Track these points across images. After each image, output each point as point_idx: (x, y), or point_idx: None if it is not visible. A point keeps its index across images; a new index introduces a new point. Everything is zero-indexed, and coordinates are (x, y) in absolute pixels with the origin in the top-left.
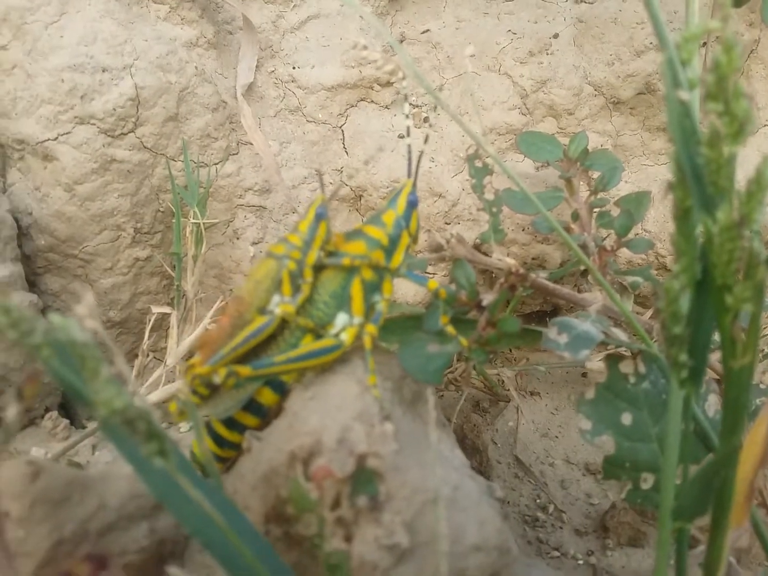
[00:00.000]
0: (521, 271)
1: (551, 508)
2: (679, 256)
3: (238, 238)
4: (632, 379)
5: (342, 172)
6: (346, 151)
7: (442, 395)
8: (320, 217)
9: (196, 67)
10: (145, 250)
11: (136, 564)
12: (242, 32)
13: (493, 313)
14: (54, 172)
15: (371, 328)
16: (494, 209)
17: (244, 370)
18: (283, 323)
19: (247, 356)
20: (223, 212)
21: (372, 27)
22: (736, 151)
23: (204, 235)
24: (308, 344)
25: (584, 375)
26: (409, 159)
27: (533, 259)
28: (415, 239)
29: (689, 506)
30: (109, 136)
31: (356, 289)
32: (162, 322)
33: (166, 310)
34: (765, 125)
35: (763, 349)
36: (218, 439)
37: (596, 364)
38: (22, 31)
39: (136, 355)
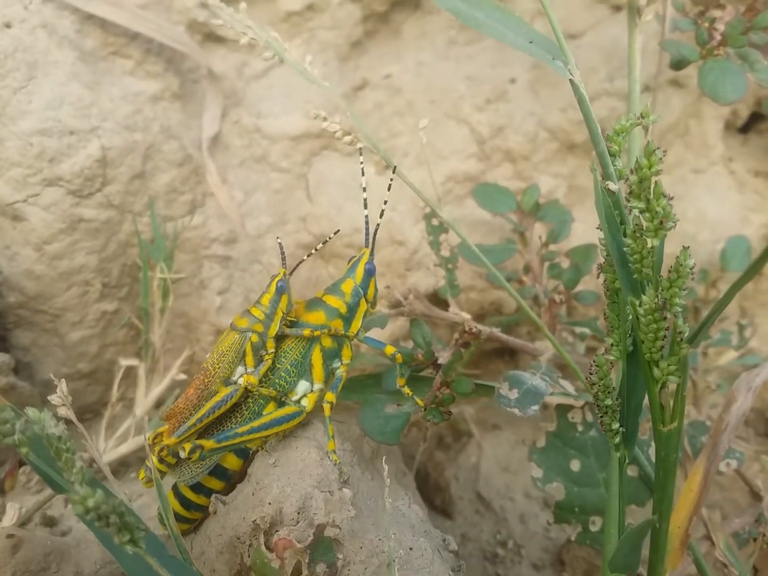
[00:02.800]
0: (474, 329)
1: (510, 543)
2: (611, 331)
3: (204, 288)
4: (580, 428)
5: (306, 220)
6: (310, 200)
7: (406, 434)
8: (281, 290)
9: (161, 125)
10: (113, 304)
11: None
12: (207, 82)
13: (447, 374)
14: (23, 232)
15: (330, 396)
16: (450, 266)
17: (208, 443)
18: (247, 392)
19: (213, 425)
20: (189, 263)
21: (333, 75)
22: (657, 243)
23: (171, 288)
24: (271, 413)
25: (545, 408)
26: (367, 229)
27: (490, 303)
28: (373, 304)
29: (622, 561)
30: (76, 196)
31: (316, 357)
32: (131, 371)
33: (134, 362)
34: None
35: (710, 386)
36: (185, 502)
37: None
38: None
39: (105, 404)
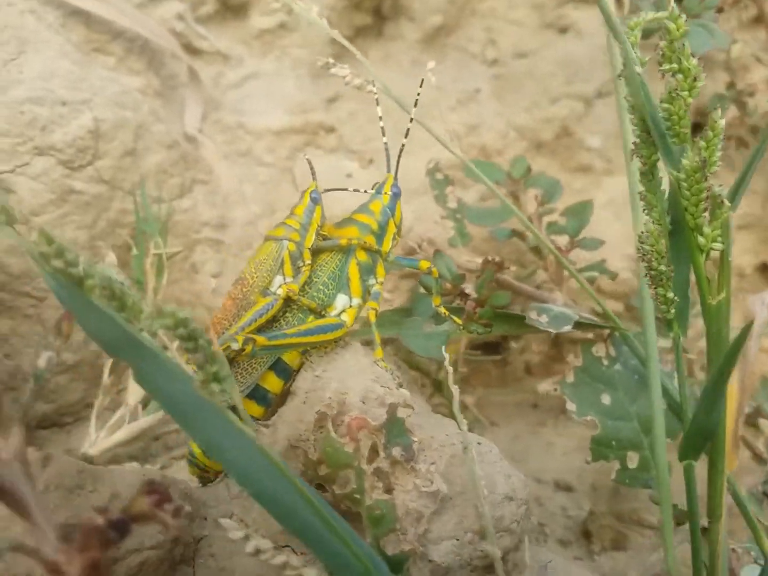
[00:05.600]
0: (497, 259)
1: (534, 522)
2: (650, 210)
3: (196, 273)
4: (605, 362)
5: None
6: (298, 190)
7: None
8: (315, 201)
9: (149, 107)
10: None
11: (152, 563)
12: (186, 86)
13: (480, 291)
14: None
15: (374, 304)
16: (458, 215)
17: (261, 339)
18: (285, 306)
19: None
20: (180, 246)
21: (307, 88)
22: (691, 99)
23: (165, 265)
24: (315, 321)
25: (535, 406)
26: (387, 155)
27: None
28: (398, 230)
29: (692, 445)
30: (68, 167)
31: (353, 271)
32: (114, 366)
33: None
34: None
35: None
36: None
37: (547, 386)
38: None
39: (88, 405)
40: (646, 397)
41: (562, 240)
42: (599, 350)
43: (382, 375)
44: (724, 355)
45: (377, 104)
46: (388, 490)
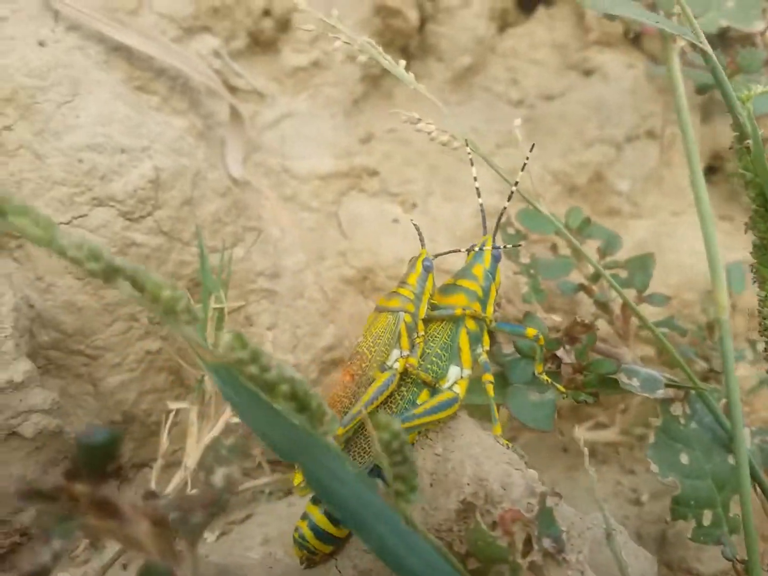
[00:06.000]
0: (586, 321)
1: None
2: (761, 284)
3: (251, 325)
4: (682, 421)
5: (345, 255)
6: (344, 236)
7: None
8: (428, 269)
9: (204, 152)
10: (156, 342)
11: None
12: (226, 125)
13: (581, 357)
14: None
15: (489, 377)
16: (531, 271)
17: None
18: (400, 380)
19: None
20: (235, 298)
21: (341, 127)
22: None
23: (226, 320)
24: (426, 401)
25: (565, 450)
26: (483, 217)
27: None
28: (498, 295)
29: None
30: (128, 219)
31: (464, 341)
32: (159, 425)
33: (184, 404)
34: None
35: None
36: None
37: (582, 433)
38: (31, 110)
39: (136, 466)
40: (719, 455)
41: (628, 294)
42: (677, 408)
43: (510, 454)
44: None
45: (471, 164)
46: None
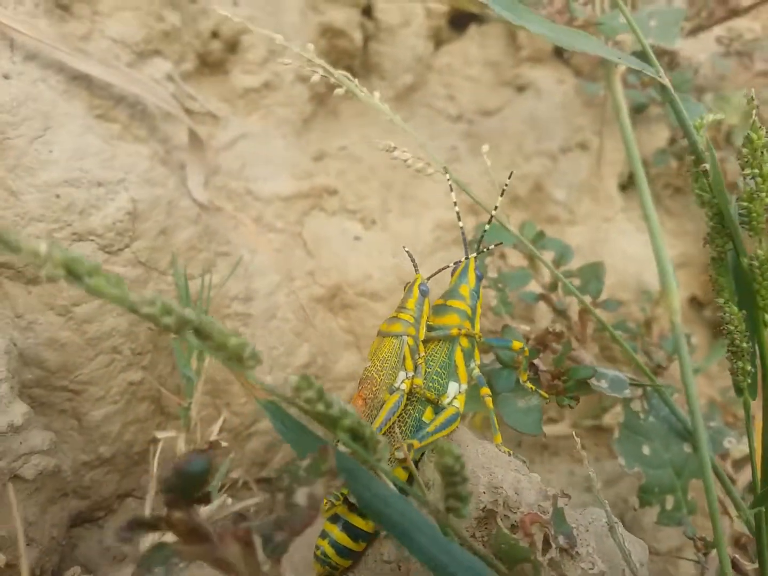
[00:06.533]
0: (558, 329)
1: None
2: (718, 292)
3: None
4: (642, 416)
5: (314, 274)
6: (310, 255)
7: None
8: (425, 294)
9: (175, 181)
10: (138, 373)
11: None
12: (185, 149)
13: (559, 364)
14: (43, 296)
15: (486, 390)
16: (500, 285)
17: (416, 443)
18: (407, 400)
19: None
20: None
21: (294, 146)
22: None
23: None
24: (433, 419)
25: (519, 444)
26: (464, 238)
27: None
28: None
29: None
30: (107, 252)
31: (459, 358)
32: (145, 454)
33: (171, 434)
34: (619, 213)
35: None
36: (354, 533)
37: (556, 429)
38: (2, 146)
39: (120, 497)
40: (676, 445)
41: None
42: (636, 405)
43: (514, 462)
44: None
45: (451, 190)
46: None
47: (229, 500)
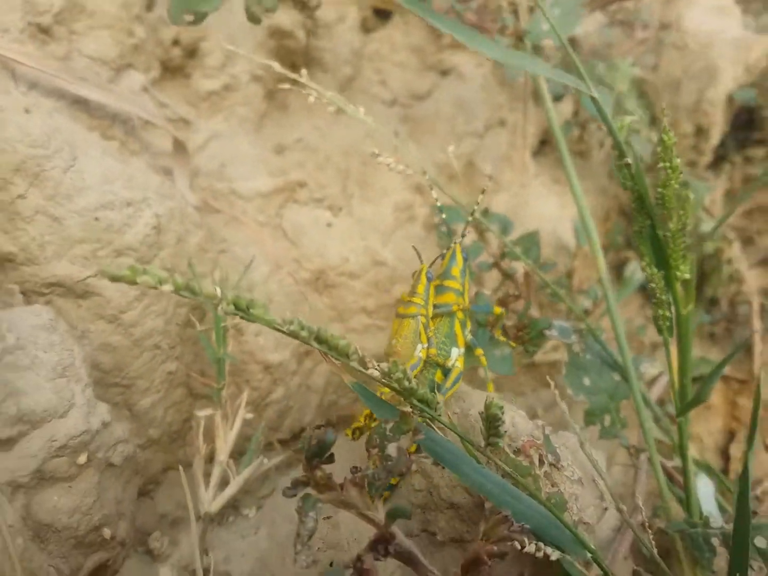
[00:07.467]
0: (516, 292)
1: None
2: (642, 257)
3: (242, 335)
4: (581, 354)
5: (299, 261)
6: (293, 244)
7: None
8: (430, 279)
9: (180, 192)
10: (173, 363)
11: None
12: (169, 155)
13: (522, 319)
14: (92, 308)
15: (480, 351)
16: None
17: (440, 396)
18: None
19: None
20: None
21: (256, 143)
22: (677, 185)
23: (229, 335)
24: (452, 374)
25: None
26: (449, 230)
27: None
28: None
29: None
30: (142, 263)
31: (458, 328)
32: (181, 432)
33: (209, 411)
34: (533, 179)
35: None
36: None
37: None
38: (40, 178)
39: (165, 471)
40: (608, 375)
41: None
42: (576, 346)
43: (507, 404)
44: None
45: (431, 189)
46: (554, 485)
47: (266, 460)
